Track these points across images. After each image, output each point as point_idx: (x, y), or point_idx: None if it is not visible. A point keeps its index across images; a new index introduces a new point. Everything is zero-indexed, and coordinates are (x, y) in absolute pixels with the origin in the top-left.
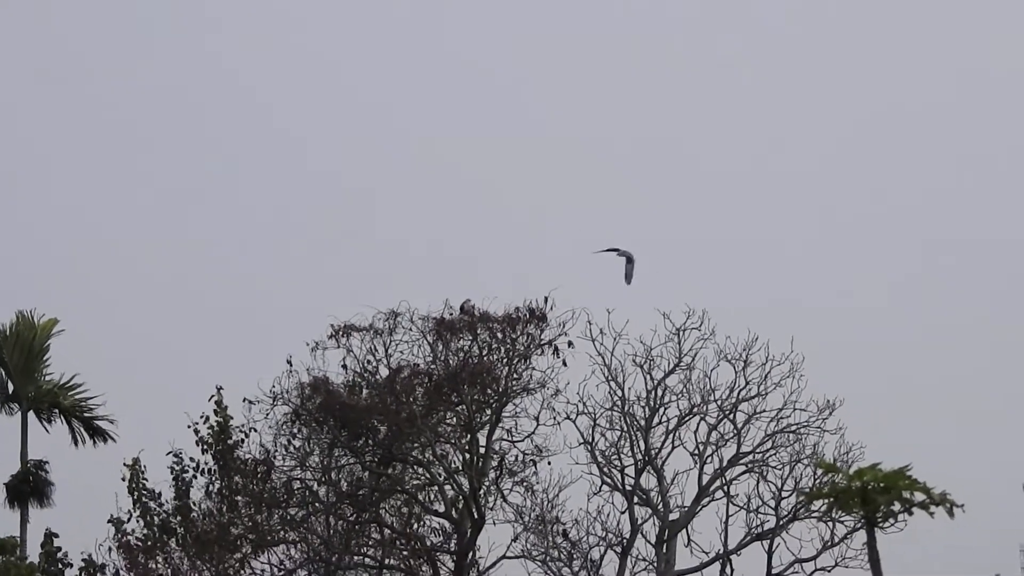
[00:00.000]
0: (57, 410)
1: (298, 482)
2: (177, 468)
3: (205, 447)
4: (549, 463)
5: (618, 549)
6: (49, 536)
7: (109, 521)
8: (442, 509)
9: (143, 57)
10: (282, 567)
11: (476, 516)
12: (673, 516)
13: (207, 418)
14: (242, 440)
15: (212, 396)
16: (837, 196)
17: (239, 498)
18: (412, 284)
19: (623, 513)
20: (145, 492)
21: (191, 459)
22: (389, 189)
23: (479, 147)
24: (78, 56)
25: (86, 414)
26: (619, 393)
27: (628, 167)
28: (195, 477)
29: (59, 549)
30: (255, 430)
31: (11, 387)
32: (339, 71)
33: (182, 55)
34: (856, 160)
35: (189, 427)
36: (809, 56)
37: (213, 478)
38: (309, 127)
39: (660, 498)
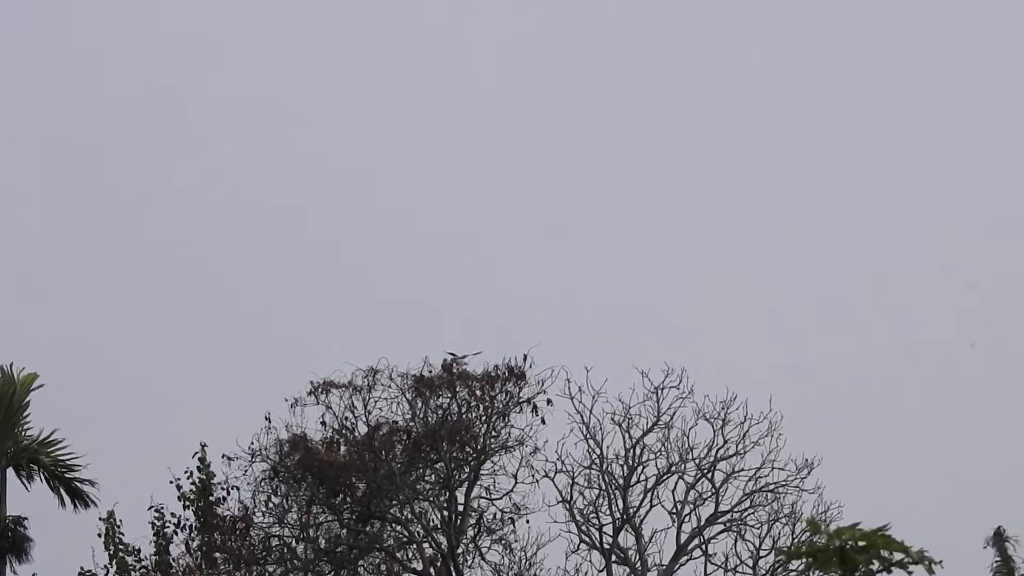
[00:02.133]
0: (36, 467)
1: (276, 539)
2: (159, 523)
3: (187, 503)
4: (527, 521)
5: None
6: None
7: (80, 574)
8: (420, 567)
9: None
10: None
11: (454, 574)
12: (651, 575)
13: (191, 473)
14: (224, 497)
15: (196, 453)
16: (813, 255)
17: (217, 555)
18: (393, 341)
19: (601, 572)
20: (122, 547)
21: (172, 514)
22: (372, 246)
23: (462, 208)
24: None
25: (67, 475)
26: (597, 451)
27: (609, 228)
28: (175, 533)
29: None
30: (237, 488)
31: None
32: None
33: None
34: (830, 219)
35: (171, 483)
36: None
37: (192, 534)
38: (285, 190)
39: (638, 556)
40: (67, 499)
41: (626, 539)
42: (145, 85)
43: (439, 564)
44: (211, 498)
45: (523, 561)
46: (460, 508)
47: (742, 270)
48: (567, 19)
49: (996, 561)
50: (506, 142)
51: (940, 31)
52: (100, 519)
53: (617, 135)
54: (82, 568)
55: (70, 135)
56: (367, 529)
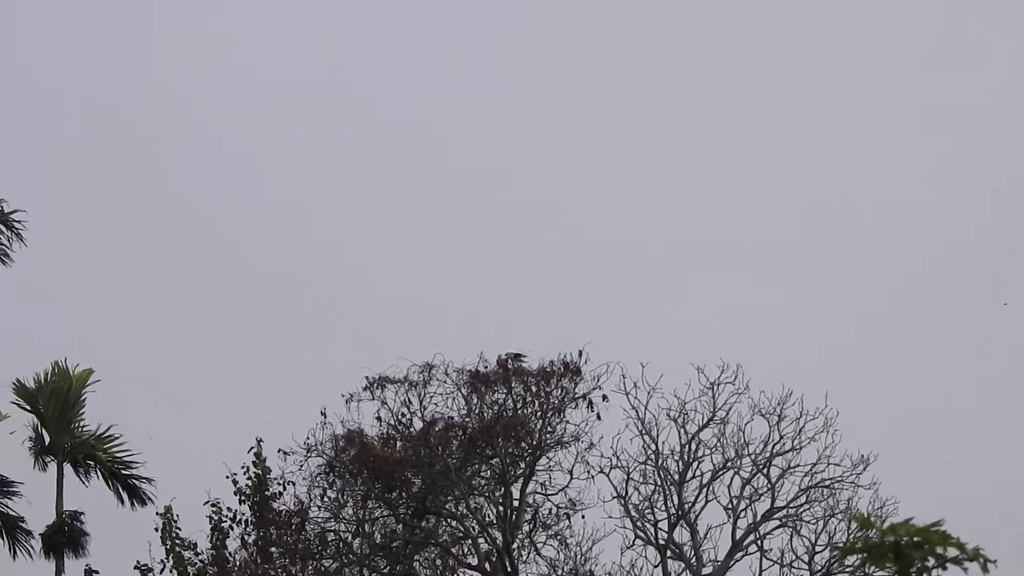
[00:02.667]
0: (93, 463)
1: (332, 534)
2: (215, 518)
3: (243, 498)
4: (583, 517)
5: None
6: (89, 574)
7: (136, 567)
8: (475, 562)
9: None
10: None
11: (509, 569)
12: (706, 570)
13: (247, 468)
14: (280, 492)
15: (251, 448)
16: (882, 242)
17: (273, 549)
18: (448, 337)
19: (656, 567)
20: (178, 541)
21: (228, 509)
22: (428, 241)
23: (516, 211)
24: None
25: (123, 471)
26: (653, 447)
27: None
28: (231, 527)
29: None
30: (293, 483)
31: (47, 439)
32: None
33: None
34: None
35: (227, 478)
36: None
37: (248, 529)
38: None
39: (693, 552)
40: (124, 497)
41: (681, 535)
42: (145, 85)
43: (494, 559)
44: (267, 493)
45: (578, 556)
46: (515, 504)
47: (800, 260)
48: (567, 19)
49: None
50: (506, 142)
51: (937, 31)
52: (157, 514)
53: (617, 135)
54: (138, 562)
55: (71, 135)
56: (422, 524)
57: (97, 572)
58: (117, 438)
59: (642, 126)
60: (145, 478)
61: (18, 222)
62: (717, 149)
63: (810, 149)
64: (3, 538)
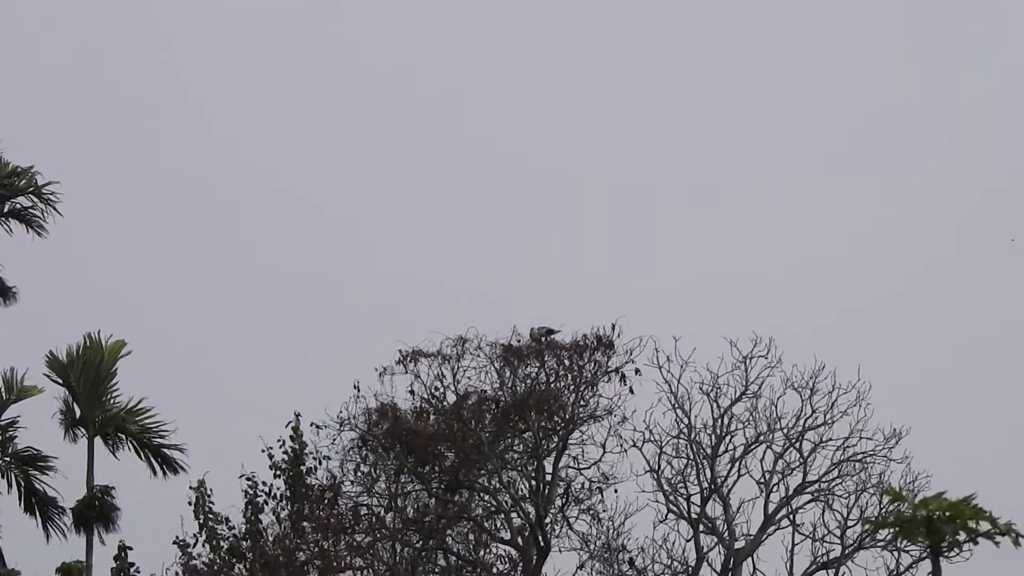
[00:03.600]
0: (124, 436)
1: (365, 508)
2: (251, 492)
3: (278, 472)
4: (615, 491)
5: None
6: (123, 549)
7: (174, 543)
8: (508, 537)
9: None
10: None
11: (542, 544)
12: (739, 544)
13: (283, 443)
14: (315, 467)
15: (289, 422)
16: (915, 215)
17: (305, 524)
18: (480, 311)
19: (689, 541)
20: (212, 516)
21: (263, 483)
22: (454, 219)
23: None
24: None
25: (155, 441)
26: (685, 421)
27: (702, 201)
28: (266, 502)
29: (132, 564)
30: (328, 457)
31: (78, 412)
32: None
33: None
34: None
35: (263, 451)
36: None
37: (281, 503)
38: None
39: (726, 526)
40: (156, 467)
41: (714, 509)
42: (173, 65)
43: (527, 534)
44: (302, 467)
45: (611, 531)
46: (548, 478)
47: (829, 229)
48: None
49: None
50: (533, 112)
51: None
52: (190, 487)
53: (652, 106)
54: (177, 537)
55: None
56: (455, 499)
57: (131, 548)
58: (148, 410)
59: (677, 94)
60: (176, 447)
61: (52, 194)
62: (751, 118)
63: (835, 114)
64: (35, 515)
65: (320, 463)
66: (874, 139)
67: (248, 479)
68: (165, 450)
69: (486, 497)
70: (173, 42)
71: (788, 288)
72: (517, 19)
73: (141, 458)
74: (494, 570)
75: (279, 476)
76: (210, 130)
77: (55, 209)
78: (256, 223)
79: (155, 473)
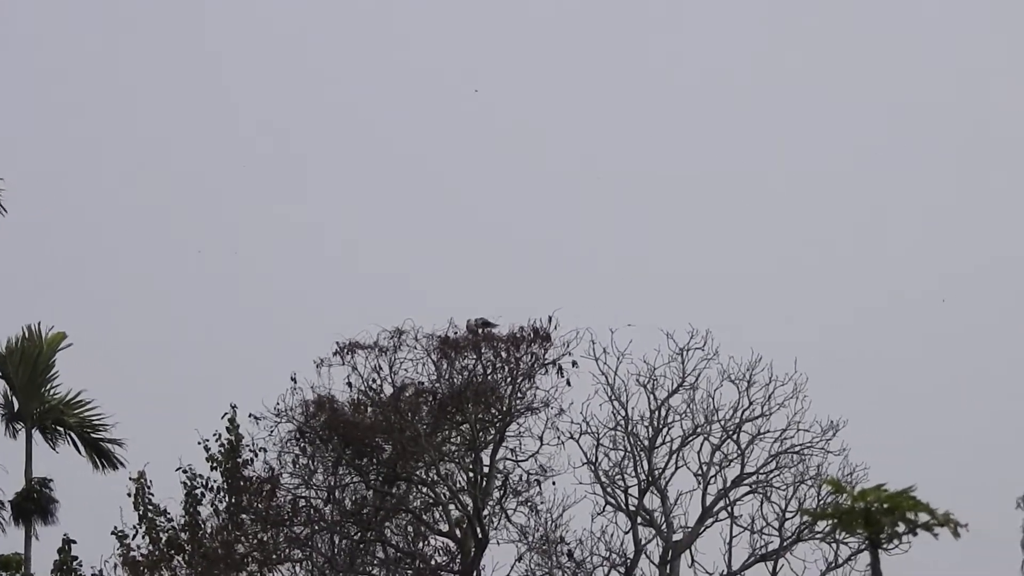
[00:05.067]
0: (63, 428)
1: (303, 500)
2: (189, 484)
3: (215, 464)
4: (553, 483)
5: (621, 569)
6: (67, 543)
7: (113, 533)
8: (446, 529)
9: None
10: None
11: (480, 536)
12: (677, 536)
13: (219, 435)
14: (252, 459)
15: (225, 414)
16: (841, 207)
17: (244, 516)
18: (416, 303)
19: (627, 533)
20: (151, 507)
21: (200, 476)
22: (393, 209)
23: (480, 168)
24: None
25: (93, 434)
26: (622, 413)
27: (634, 190)
28: (203, 494)
29: (75, 558)
30: (265, 449)
31: (16, 404)
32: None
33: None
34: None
35: (199, 444)
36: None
37: (219, 496)
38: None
39: (664, 518)
40: (96, 460)
41: (652, 501)
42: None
43: (465, 526)
44: (239, 460)
45: (549, 523)
46: (486, 470)
47: (766, 222)
48: None
49: None
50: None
51: None
52: (131, 479)
53: (595, 75)
54: (115, 528)
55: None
56: (393, 491)
57: (75, 541)
58: (88, 403)
59: (623, 65)
60: (116, 441)
61: None
62: (704, 96)
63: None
64: None
65: (257, 455)
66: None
67: (185, 471)
68: (104, 444)
69: (424, 489)
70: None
71: (724, 279)
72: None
73: (80, 452)
74: (432, 562)
75: (215, 468)
76: (148, 120)
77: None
78: (196, 218)
79: (96, 466)
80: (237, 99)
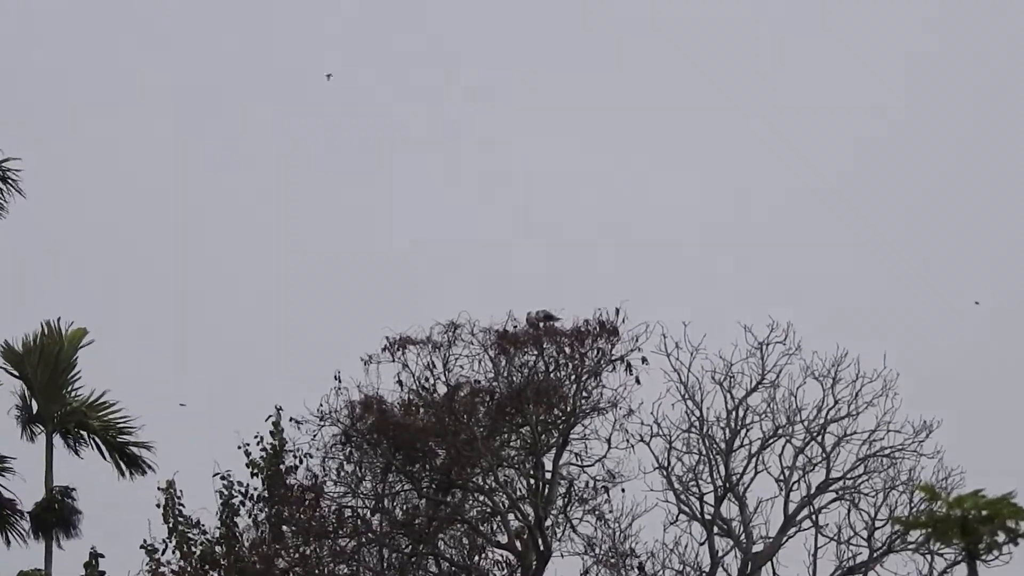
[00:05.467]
0: (87, 432)
1: (349, 510)
2: (226, 492)
3: (256, 471)
4: (622, 490)
5: None
6: (94, 556)
7: (142, 547)
8: (505, 540)
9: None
10: None
11: (542, 548)
12: (757, 548)
13: (261, 439)
14: (296, 466)
15: (269, 416)
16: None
17: (285, 527)
18: (473, 296)
19: (702, 544)
20: (182, 519)
21: (239, 483)
22: (449, 195)
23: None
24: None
25: (119, 438)
26: (697, 413)
27: (713, 175)
28: (242, 504)
29: (102, 573)
30: (311, 455)
31: (35, 407)
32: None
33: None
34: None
35: (239, 448)
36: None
37: (258, 505)
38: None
39: (742, 528)
40: (122, 466)
41: (729, 509)
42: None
43: (525, 537)
44: (282, 466)
45: (617, 533)
46: (548, 476)
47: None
48: None
49: None
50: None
51: None
52: (159, 488)
53: (654, 73)
54: (144, 541)
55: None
56: (447, 499)
57: (103, 555)
58: (112, 404)
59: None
60: (144, 444)
61: (13, 171)
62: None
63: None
64: None
65: (301, 461)
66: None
67: (223, 478)
68: (131, 448)
69: (481, 497)
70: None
71: (807, 270)
72: None
73: (105, 457)
74: None
75: (256, 475)
76: (178, 118)
77: (16, 188)
78: (228, 204)
79: (122, 473)
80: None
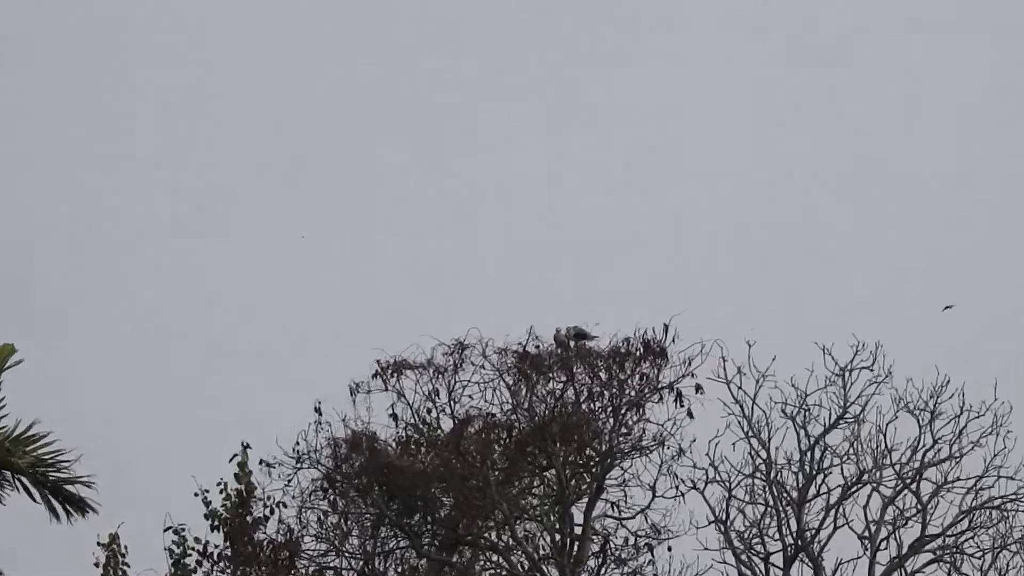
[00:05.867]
0: (11, 471)
1: (331, 573)
2: (178, 551)
3: (216, 523)
4: (669, 548)
5: None
6: None
7: None
8: None
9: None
10: None
11: None
12: None
13: (225, 485)
14: (266, 517)
15: (234, 455)
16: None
17: None
18: (482, 309)
19: None
20: None
21: (196, 539)
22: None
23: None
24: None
25: (52, 475)
26: (763, 455)
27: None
28: (198, 564)
29: None
30: (284, 504)
31: None
32: None
33: None
34: None
35: (197, 495)
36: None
37: (218, 566)
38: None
39: None
40: (58, 508)
41: (801, 572)
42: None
43: None
44: (249, 518)
45: None
46: (578, 531)
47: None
48: None
49: None
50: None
51: None
52: (99, 544)
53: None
54: None
55: None
56: (453, 560)
57: None
58: (43, 436)
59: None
60: (81, 480)
61: None
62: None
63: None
64: None
65: (272, 511)
66: None
67: (175, 532)
68: (65, 487)
69: (495, 558)
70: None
71: (896, 278)
72: None
73: (35, 499)
74: None
75: (217, 528)
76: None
77: None
78: (184, 199)
79: (56, 517)
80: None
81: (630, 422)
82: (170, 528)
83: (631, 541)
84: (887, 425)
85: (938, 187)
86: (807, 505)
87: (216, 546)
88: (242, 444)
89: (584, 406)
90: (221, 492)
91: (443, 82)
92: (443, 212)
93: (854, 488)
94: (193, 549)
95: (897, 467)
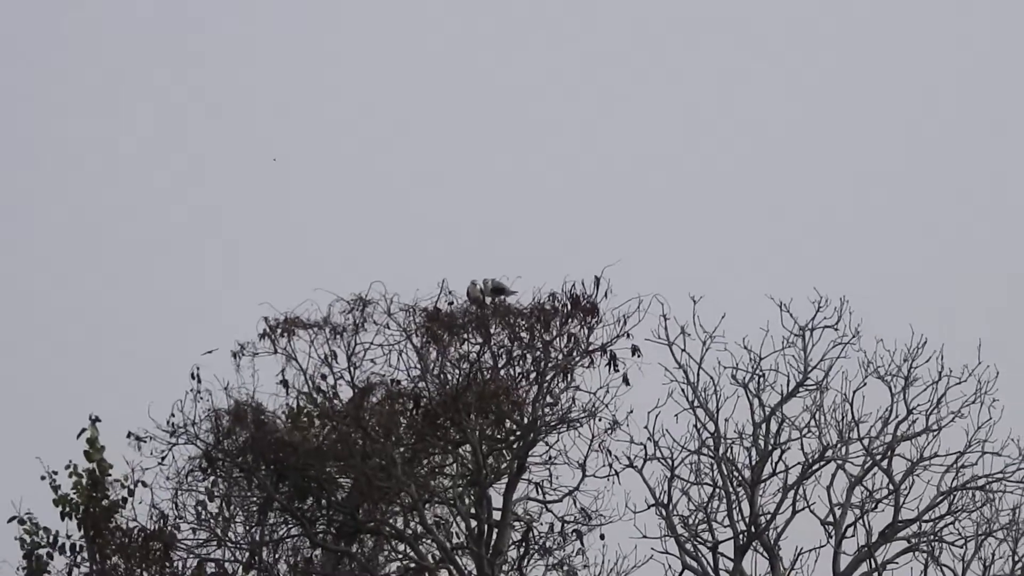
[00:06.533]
0: None
1: (212, 565)
2: (29, 542)
3: (69, 510)
4: (602, 536)
5: None
6: None
7: None
8: None
9: None
10: None
11: None
12: None
13: (74, 467)
14: (125, 499)
15: (82, 431)
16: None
17: None
18: (387, 260)
19: None
20: None
21: (45, 530)
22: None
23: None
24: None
25: None
26: (711, 428)
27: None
28: (50, 556)
29: None
30: (145, 483)
31: None
32: None
33: None
34: None
35: (44, 479)
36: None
37: (78, 558)
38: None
39: None
40: None
41: (755, 563)
42: None
43: None
44: (106, 502)
45: None
46: (497, 516)
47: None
48: None
49: None
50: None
51: None
52: None
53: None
54: None
55: None
56: (354, 549)
57: None
58: None
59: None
60: None
61: None
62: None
63: None
64: None
65: (131, 492)
66: None
67: (23, 522)
68: None
69: (401, 547)
70: None
71: (862, 228)
72: None
73: None
74: None
75: (69, 516)
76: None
77: None
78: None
79: None
80: None
81: (556, 390)
82: (15, 518)
83: (557, 528)
84: (854, 393)
85: (897, 119)
86: (761, 486)
87: (69, 536)
88: (90, 417)
89: (503, 372)
90: (71, 475)
91: None
92: (350, 149)
93: (816, 466)
94: (43, 540)
95: (866, 442)
